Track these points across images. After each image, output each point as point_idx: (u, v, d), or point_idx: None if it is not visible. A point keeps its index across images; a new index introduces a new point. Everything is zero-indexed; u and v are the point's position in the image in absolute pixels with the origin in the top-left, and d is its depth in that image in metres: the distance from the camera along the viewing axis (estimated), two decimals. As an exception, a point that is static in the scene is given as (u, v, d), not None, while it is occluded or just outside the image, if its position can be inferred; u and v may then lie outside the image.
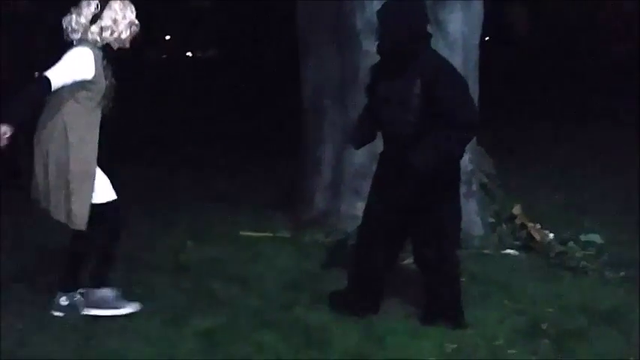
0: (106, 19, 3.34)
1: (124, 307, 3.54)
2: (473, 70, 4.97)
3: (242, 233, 4.98)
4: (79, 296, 3.57)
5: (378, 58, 4.54)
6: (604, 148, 7.90)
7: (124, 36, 3.41)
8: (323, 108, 5.11)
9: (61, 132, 3.34)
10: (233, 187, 6.34)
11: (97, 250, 3.55)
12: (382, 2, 4.61)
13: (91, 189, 3.39)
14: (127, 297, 3.62)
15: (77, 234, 3.46)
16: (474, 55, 4.99)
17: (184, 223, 5.21)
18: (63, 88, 3.31)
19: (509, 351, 3.27)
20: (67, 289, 3.56)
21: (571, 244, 4.56)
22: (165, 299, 3.77)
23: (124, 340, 3.30)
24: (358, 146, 3.78)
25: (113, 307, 3.53)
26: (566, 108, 10.20)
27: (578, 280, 4.16)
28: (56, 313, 3.54)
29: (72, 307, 3.54)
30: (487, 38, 5.13)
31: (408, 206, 3.45)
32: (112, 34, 3.37)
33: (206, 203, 5.79)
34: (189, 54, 13.50)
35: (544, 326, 3.51)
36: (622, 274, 4.21)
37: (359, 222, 4.59)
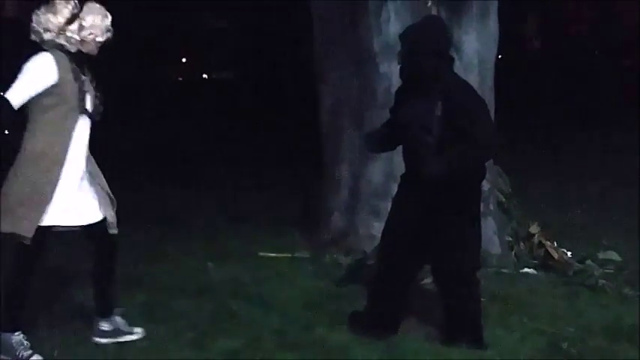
0: (88, 20, 3.24)
1: (130, 333, 3.51)
2: (489, 90, 5.02)
3: (261, 254, 5.04)
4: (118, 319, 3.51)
5: (395, 79, 4.68)
6: (621, 164, 7.88)
7: (99, 39, 3.29)
8: (340, 129, 5.17)
9: (25, 142, 3.19)
10: (252, 207, 6.41)
11: (95, 277, 3.47)
12: (400, 24, 4.76)
13: (44, 200, 3.15)
14: (150, 320, 3.67)
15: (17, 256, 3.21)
16: (490, 74, 5.05)
17: (204, 244, 5.27)
18: (32, 99, 3.16)
19: (530, 371, 3.30)
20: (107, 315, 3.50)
21: (589, 262, 4.57)
22: (188, 321, 3.81)
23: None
24: (373, 149, 3.83)
25: (122, 334, 3.50)
26: (581, 125, 10.20)
27: (597, 298, 4.17)
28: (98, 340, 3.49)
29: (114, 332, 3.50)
30: (500, 56, 5.18)
31: (427, 226, 3.48)
32: (90, 35, 3.24)
33: (225, 224, 5.86)
34: (205, 76, 13.66)
35: (564, 345, 3.51)
36: (641, 292, 4.21)
37: (377, 242, 4.64)
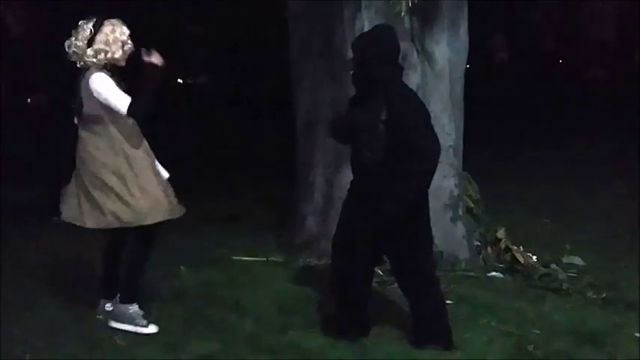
0: (99, 42, 3.53)
1: (147, 325, 3.72)
2: (459, 97, 5.15)
3: (235, 258, 5.08)
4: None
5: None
6: (585, 172, 8.11)
7: (117, 56, 3.60)
8: (314, 134, 5.24)
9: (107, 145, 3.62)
10: (226, 212, 6.43)
11: (130, 266, 3.75)
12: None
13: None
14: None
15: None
16: (460, 83, 5.17)
17: (178, 248, 5.29)
18: (102, 113, 3.56)
19: (497, 372, 3.40)
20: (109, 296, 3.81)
21: (554, 266, 4.71)
22: (161, 325, 3.84)
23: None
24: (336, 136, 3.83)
25: (137, 325, 3.70)
26: (546, 133, 10.45)
27: (561, 301, 4.30)
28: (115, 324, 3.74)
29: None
30: (467, 66, 5.33)
31: (377, 232, 3.56)
32: (105, 55, 3.56)
33: (199, 227, 5.88)
34: (180, 81, 13.60)
35: (530, 348, 3.63)
36: (603, 295, 4.35)
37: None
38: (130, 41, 3.64)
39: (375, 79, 3.50)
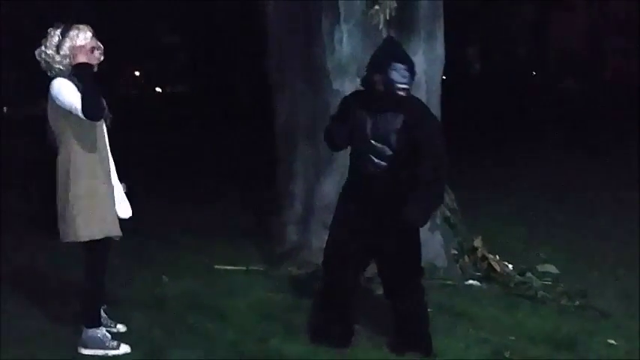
0: (64, 48, 3.48)
1: (118, 346, 3.61)
2: (435, 108, 5.23)
3: (216, 267, 5.09)
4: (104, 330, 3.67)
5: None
6: (560, 182, 8.29)
7: (82, 61, 3.49)
8: (294, 144, 5.30)
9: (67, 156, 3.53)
10: (207, 221, 6.44)
11: (87, 287, 3.64)
12: (352, 45, 4.93)
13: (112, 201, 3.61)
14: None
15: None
16: (437, 94, 5.28)
17: (159, 257, 5.29)
18: (62, 121, 3.48)
19: (475, 378, 3.47)
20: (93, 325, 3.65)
21: (529, 274, 4.82)
22: (144, 334, 3.85)
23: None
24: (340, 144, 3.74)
25: (106, 347, 3.59)
26: (521, 143, 10.65)
27: (536, 309, 4.40)
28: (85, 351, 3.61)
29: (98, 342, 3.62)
30: (444, 77, 5.44)
31: (372, 238, 3.62)
32: (71, 60, 3.49)
33: (180, 236, 5.89)
34: (158, 89, 13.60)
35: (507, 354, 3.70)
36: (577, 302, 4.46)
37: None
38: (100, 46, 3.58)
39: (397, 88, 3.49)
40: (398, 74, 3.48)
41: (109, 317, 3.89)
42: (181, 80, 13.87)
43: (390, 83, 3.48)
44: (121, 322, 3.92)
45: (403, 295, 3.67)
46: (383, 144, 3.54)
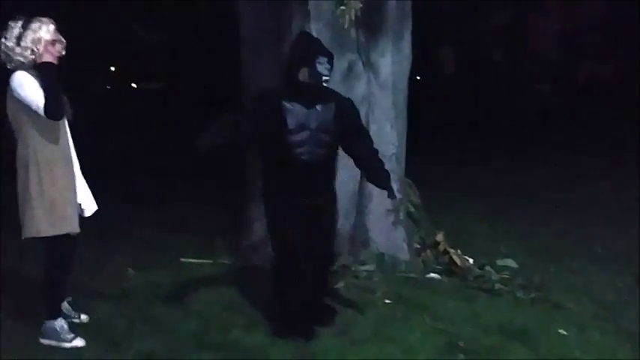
0: (26, 40, 3.48)
1: (71, 340, 3.66)
2: (402, 107, 5.38)
3: (183, 260, 5.17)
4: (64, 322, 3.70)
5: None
6: (523, 180, 8.48)
7: (45, 55, 3.50)
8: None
9: (27, 151, 3.52)
10: (177, 217, 6.51)
11: (45, 281, 3.68)
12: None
13: (74, 197, 3.63)
14: (69, 324, 3.75)
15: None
16: (403, 93, 5.40)
17: (127, 251, 5.35)
18: (21, 115, 3.48)
19: (428, 366, 3.59)
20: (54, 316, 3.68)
21: (488, 268, 4.96)
22: (106, 325, 3.92)
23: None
24: (205, 149, 3.89)
25: (61, 340, 3.64)
26: (490, 142, 10.85)
27: (493, 301, 4.54)
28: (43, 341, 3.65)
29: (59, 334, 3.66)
30: (418, 77, 5.56)
31: (312, 223, 3.83)
32: (32, 53, 3.49)
33: (149, 232, 5.94)
34: (134, 85, 13.59)
35: (461, 343, 3.83)
36: (532, 295, 4.61)
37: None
38: (62, 40, 3.58)
39: (322, 80, 3.78)
40: (322, 67, 3.74)
41: (73, 308, 3.95)
42: (157, 77, 13.88)
43: (317, 76, 3.73)
44: (84, 313, 3.98)
45: (319, 271, 3.92)
46: (323, 133, 3.77)
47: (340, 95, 4.00)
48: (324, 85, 3.80)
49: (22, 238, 3.59)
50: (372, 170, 3.99)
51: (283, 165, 3.80)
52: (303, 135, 3.74)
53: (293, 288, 3.82)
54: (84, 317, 3.96)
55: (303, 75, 3.77)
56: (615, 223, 6.64)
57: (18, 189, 3.56)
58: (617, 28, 17.48)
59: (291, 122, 3.73)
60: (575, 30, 19.35)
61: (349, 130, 3.89)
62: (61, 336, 3.64)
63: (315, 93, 3.79)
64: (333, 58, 3.86)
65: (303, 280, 3.82)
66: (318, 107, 3.78)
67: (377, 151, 4.01)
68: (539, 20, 18.33)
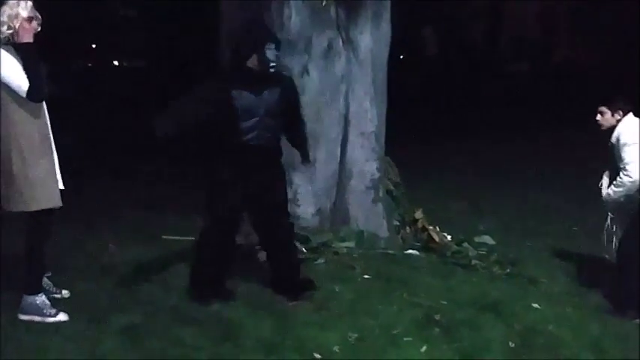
0: (3, 16, 3.47)
1: (55, 314, 3.67)
2: (381, 85, 5.42)
3: (164, 237, 5.20)
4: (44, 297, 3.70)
5: (297, 72, 4.97)
6: (502, 160, 8.60)
7: (21, 31, 3.49)
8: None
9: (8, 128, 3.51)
10: (159, 195, 6.53)
11: (27, 256, 3.68)
12: (300, 22, 5.02)
13: (55, 172, 3.65)
14: (51, 300, 3.77)
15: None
16: (383, 71, 5.43)
17: (109, 229, 5.36)
18: (1, 94, 3.46)
19: (405, 339, 3.65)
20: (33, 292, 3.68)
21: (465, 244, 5.06)
22: (87, 300, 3.94)
23: (46, 338, 3.46)
24: (163, 134, 4.03)
25: (44, 315, 3.65)
26: (470, 122, 10.95)
27: (469, 276, 4.64)
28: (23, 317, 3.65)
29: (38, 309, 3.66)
30: (402, 57, 5.59)
31: (255, 198, 3.97)
32: (8, 29, 3.49)
33: (131, 210, 5.95)
34: (115, 63, 13.44)
35: (437, 317, 3.92)
36: (507, 270, 4.72)
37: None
38: (38, 16, 3.57)
39: (274, 67, 3.90)
40: (271, 53, 3.83)
41: (54, 284, 3.96)
42: (138, 55, 13.76)
43: (267, 62, 3.82)
44: (65, 289, 4.00)
45: (279, 243, 4.07)
46: (271, 117, 3.89)
47: (283, 76, 4.14)
48: (272, 70, 3.89)
49: (7, 211, 3.59)
50: (295, 135, 4.15)
51: (233, 149, 3.90)
52: (252, 121, 3.87)
53: (218, 255, 3.98)
54: (65, 292, 3.98)
55: (252, 62, 3.86)
56: (590, 200, 6.76)
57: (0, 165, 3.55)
58: (593, 9, 17.66)
59: (240, 109, 3.84)
60: (553, 10, 19.47)
61: (289, 108, 4.05)
62: (44, 311, 3.65)
63: (262, 79, 3.89)
64: (280, 44, 3.96)
65: (225, 249, 4.02)
66: (266, 93, 3.89)
67: (304, 124, 4.23)
68: (518, 1, 18.43)
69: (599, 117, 4.29)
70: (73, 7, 10.84)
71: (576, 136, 10.34)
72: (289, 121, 4.07)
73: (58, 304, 3.79)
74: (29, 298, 3.67)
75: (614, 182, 4.21)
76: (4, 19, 3.49)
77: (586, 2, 17.14)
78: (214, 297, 3.96)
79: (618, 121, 4.23)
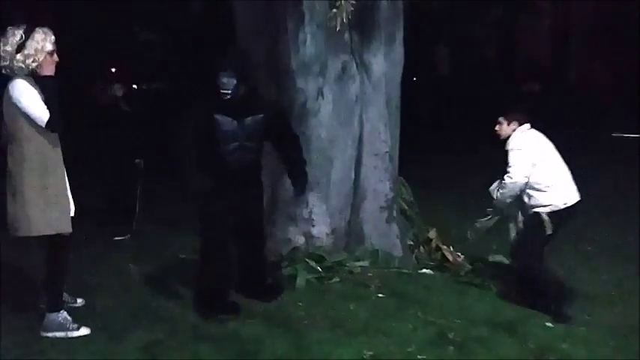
0: (29, 48, 3.61)
1: (78, 329, 3.80)
2: (395, 107, 5.52)
3: (182, 256, 5.30)
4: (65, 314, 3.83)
5: (311, 94, 5.10)
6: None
7: (44, 64, 3.66)
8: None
9: (21, 153, 3.65)
10: (175, 214, 6.63)
11: (48, 277, 3.81)
12: (315, 46, 5.16)
13: (67, 198, 3.77)
14: (73, 318, 3.87)
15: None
16: (396, 93, 5.54)
17: (127, 248, 5.47)
18: (19, 121, 3.62)
19: (419, 356, 3.71)
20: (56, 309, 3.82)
21: (479, 264, 5.09)
22: (108, 317, 4.05)
23: (71, 354, 3.57)
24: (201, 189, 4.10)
25: (67, 330, 3.78)
26: (483, 141, 10.95)
27: (483, 295, 4.68)
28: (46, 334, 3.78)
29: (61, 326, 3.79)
30: (415, 78, 5.70)
31: (241, 216, 4.23)
32: (34, 62, 3.64)
33: (149, 229, 6.07)
34: (134, 86, 13.72)
35: (451, 335, 3.97)
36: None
37: (292, 245, 5.03)
38: (55, 49, 3.70)
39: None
40: (227, 79, 4.00)
41: (69, 293, 4.08)
42: (157, 77, 14.05)
43: (220, 88, 4.01)
44: (86, 306, 4.11)
45: (253, 249, 4.35)
46: (251, 142, 4.09)
47: (270, 103, 4.34)
48: (227, 97, 4.02)
49: (13, 236, 3.71)
50: (294, 171, 4.34)
51: (215, 170, 4.05)
52: (232, 146, 4.05)
53: (221, 271, 4.14)
54: (80, 301, 4.14)
55: (217, 87, 4.05)
56: (603, 222, 6.79)
57: (8, 189, 3.66)
58: (607, 27, 17.69)
59: (221, 134, 4.02)
60: (565, 30, 19.54)
61: (279, 135, 4.26)
62: (67, 327, 3.78)
63: (243, 105, 4.05)
64: (236, 74, 4.02)
65: (227, 265, 4.19)
66: (248, 120, 4.07)
67: (301, 152, 4.37)
68: (530, 20, 18.48)
69: (497, 127, 4.61)
70: (92, 31, 11.13)
71: (589, 155, 10.34)
72: (282, 145, 4.30)
73: (77, 316, 3.90)
74: (52, 316, 3.79)
75: (500, 185, 4.51)
76: (31, 51, 3.62)
77: (599, 22, 17.25)
78: (220, 312, 4.08)
79: (514, 130, 4.53)
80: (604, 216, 7.00)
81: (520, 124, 4.54)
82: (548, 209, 4.34)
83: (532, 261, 4.37)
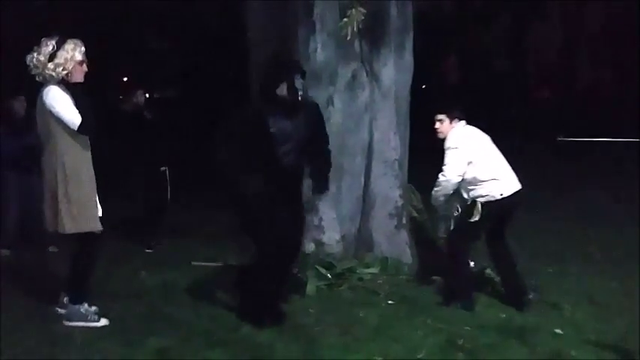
0: (60, 58, 3.85)
1: (97, 320, 4.03)
2: (404, 115, 5.58)
3: (194, 263, 5.36)
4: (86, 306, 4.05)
5: (321, 102, 5.16)
6: (530, 186, 8.58)
7: (75, 72, 3.92)
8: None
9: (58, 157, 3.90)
10: (188, 221, 6.71)
11: (73, 271, 4.04)
12: (325, 54, 5.22)
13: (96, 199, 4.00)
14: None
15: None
16: (406, 102, 5.59)
17: (140, 255, 5.54)
18: (52, 126, 3.84)
19: (428, 363, 3.74)
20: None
21: (488, 270, 5.11)
22: (121, 322, 4.11)
23: (85, 360, 3.63)
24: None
25: (88, 320, 4.01)
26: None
27: (492, 301, 4.69)
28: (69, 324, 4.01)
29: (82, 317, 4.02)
30: (424, 86, 5.74)
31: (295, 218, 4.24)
32: (64, 70, 3.87)
33: (163, 236, 6.13)
34: (147, 95, 13.86)
35: (461, 342, 3.99)
36: (530, 296, 4.76)
37: (302, 252, 5.07)
38: (86, 60, 3.95)
39: (301, 96, 4.19)
40: (299, 83, 4.11)
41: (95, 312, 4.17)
42: (169, 86, 14.19)
43: (295, 91, 4.10)
44: (100, 314, 4.16)
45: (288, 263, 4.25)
46: (303, 140, 4.15)
47: (309, 101, 4.40)
48: (300, 99, 4.16)
49: (49, 231, 3.99)
50: (319, 165, 4.31)
51: (270, 171, 4.09)
52: (288, 146, 4.11)
53: (276, 281, 4.15)
54: (103, 321, 4.17)
55: (281, 90, 4.11)
56: (613, 227, 6.78)
57: (45, 190, 3.94)
58: (617, 34, 17.68)
59: (277, 135, 4.08)
60: (575, 37, 19.53)
61: (315, 132, 4.30)
62: (88, 317, 4.00)
63: (293, 105, 4.14)
64: (305, 74, 4.23)
65: (285, 271, 4.24)
66: (298, 118, 4.15)
67: (329, 152, 4.37)
68: (540, 27, 18.49)
69: (437, 125, 4.62)
70: (104, 40, 11.28)
71: (599, 161, 10.36)
72: (314, 146, 4.29)
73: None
74: (74, 307, 4.01)
75: (436, 182, 4.57)
76: (61, 61, 3.85)
77: (606, 30, 17.24)
78: (274, 322, 4.09)
79: (453, 128, 4.55)
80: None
81: (459, 121, 4.59)
82: (484, 199, 4.43)
83: (457, 243, 4.49)
